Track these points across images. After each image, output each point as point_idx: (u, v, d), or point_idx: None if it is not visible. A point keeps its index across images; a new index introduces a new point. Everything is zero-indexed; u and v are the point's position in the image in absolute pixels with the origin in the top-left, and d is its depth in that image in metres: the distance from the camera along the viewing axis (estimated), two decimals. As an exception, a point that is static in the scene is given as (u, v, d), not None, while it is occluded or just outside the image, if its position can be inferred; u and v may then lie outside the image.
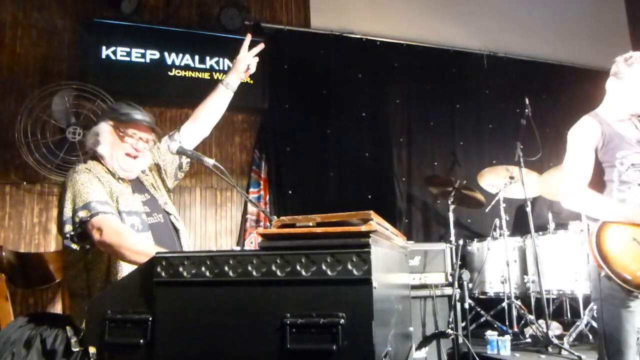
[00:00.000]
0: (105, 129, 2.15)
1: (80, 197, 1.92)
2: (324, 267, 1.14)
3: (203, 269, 1.22)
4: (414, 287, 3.41)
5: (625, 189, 2.20)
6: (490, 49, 5.78)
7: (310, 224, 1.19)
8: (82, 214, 1.88)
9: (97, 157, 2.15)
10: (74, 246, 1.93)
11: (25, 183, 4.08)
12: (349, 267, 1.12)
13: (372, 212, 1.17)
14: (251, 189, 4.66)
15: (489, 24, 5.90)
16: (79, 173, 2.01)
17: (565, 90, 5.89)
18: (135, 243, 1.86)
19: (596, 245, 2.10)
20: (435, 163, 5.37)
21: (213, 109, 2.43)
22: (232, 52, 4.78)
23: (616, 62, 2.32)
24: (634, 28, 6.73)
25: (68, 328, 1.93)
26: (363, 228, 1.13)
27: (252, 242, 4.51)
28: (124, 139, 2.14)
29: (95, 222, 1.86)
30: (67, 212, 1.92)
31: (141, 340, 1.25)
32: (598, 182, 2.24)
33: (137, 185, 2.22)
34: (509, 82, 5.73)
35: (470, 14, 5.83)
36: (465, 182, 4.54)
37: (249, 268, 1.19)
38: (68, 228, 1.91)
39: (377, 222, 1.22)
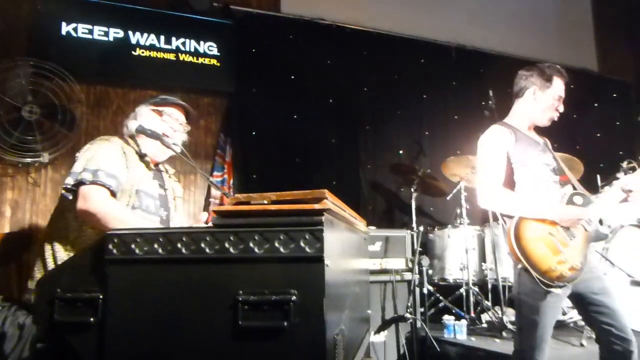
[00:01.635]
0: (144, 110, 2.29)
1: (95, 162, 1.98)
2: (277, 245, 1.14)
3: (156, 246, 1.21)
4: (374, 272, 3.45)
5: (540, 188, 2.32)
6: (459, 41, 5.85)
7: (265, 202, 1.19)
8: (86, 175, 1.94)
9: (133, 138, 2.23)
10: (70, 196, 1.97)
11: (-24, 163, 3.93)
12: (302, 244, 1.13)
13: (326, 191, 1.18)
14: (215, 173, 4.61)
15: (459, 17, 5.96)
16: (110, 142, 2.10)
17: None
18: (120, 210, 1.92)
19: (515, 240, 2.18)
20: (401, 152, 5.43)
21: None
22: (199, 33, 4.74)
23: (530, 76, 2.46)
24: (598, 26, 6.93)
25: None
26: (316, 206, 1.14)
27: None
28: (163, 117, 2.29)
29: (88, 189, 1.91)
30: (78, 167, 1.98)
31: (92, 319, 1.24)
32: (509, 181, 2.34)
33: (158, 176, 2.31)
34: (476, 75, 5.81)
35: (440, 6, 5.89)
36: (429, 170, 4.61)
37: (202, 245, 1.18)
38: (69, 180, 1.97)
39: (332, 202, 1.23)
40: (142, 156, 2.19)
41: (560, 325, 3.64)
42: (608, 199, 2.34)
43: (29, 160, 3.83)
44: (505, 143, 2.35)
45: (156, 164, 2.32)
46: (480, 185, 2.35)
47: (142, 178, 2.12)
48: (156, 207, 2.15)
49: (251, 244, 1.15)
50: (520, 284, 2.23)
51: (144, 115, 2.27)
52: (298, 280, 1.13)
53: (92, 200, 1.88)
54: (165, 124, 2.29)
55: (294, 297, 1.11)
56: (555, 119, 2.47)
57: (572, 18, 6.74)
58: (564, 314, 3.75)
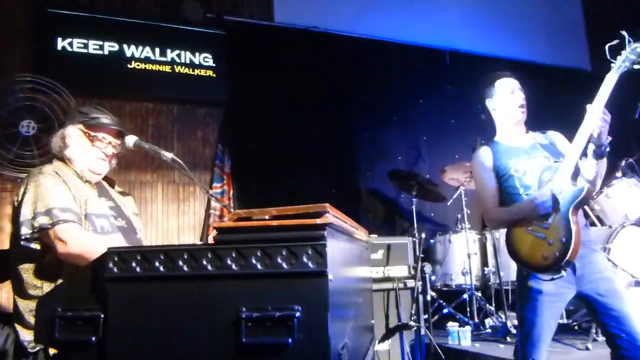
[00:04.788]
0: (74, 132, 2.11)
1: (43, 202, 1.85)
2: (279, 261, 1.13)
3: (156, 263, 1.19)
4: (377, 280, 3.43)
5: (530, 193, 2.33)
6: (452, 45, 5.87)
7: (266, 217, 1.17)
8: (43, 220, 1.82)
9: (62, 159, 2.10)
10: (34, 246, 1.86)
11: (-25, 179, 3.91)
12: (305, 260, 1.11)
13: (328, 204, 1.17)
14: (214, 184, 4.60)
15: (451, 22, 5.99)
16: (45, 175, 1.95)
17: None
18: (105, 246, 1.81)
19: (508, 245, 2.31)
20: (399, 157, 5.43)
21: None
22: (194, 45, 4.75)
23: (481, 96, 2.65)
24: (590, 25, 6.96)
25: (19, 329, 1.87)
26: (318, 221, 1.13)
27: (216, 237, 4.46)
28: (94, 143, 2.12)
29: (58, 231, 1.81)
30: (27, 213, 1.85)
31: (93, 338, 1.22)
32: (501, 192, 2.43)
33: (103, 190, 2.19)
34: (471, 79, 5.81)
35: (432, 11, 5.92)
36: (428, 176, 4.61)
37: (204, 262, 1.16)
38: (25, 230, 1.84)
39: (333, 215, 1.21)
40: (81, 177, 2.06)
41: (566, 329, 3.63)
42: (570, 158, 2.28)
43: (27, 175, 3.81)
44: (489, 162, 2.47)
45: (97, 182, 2.17)
46: (482, 210, 2.49)
47: (88, 200, 1.99)
48: (112, 224, 2.02)
49: (253, 260, 1.14)
50: (522, 285, 2.28)
51: (73, 137, 2.09)
52: (301, 295, 1.11)
53: (70, 240, 1.79)
54: (96, 149, 2.11)
55: (297, 313, 1.10)
56: (524, 108, 2.57)
57: (564, 18, 6.78)
58: (569, 317, 3.74)
